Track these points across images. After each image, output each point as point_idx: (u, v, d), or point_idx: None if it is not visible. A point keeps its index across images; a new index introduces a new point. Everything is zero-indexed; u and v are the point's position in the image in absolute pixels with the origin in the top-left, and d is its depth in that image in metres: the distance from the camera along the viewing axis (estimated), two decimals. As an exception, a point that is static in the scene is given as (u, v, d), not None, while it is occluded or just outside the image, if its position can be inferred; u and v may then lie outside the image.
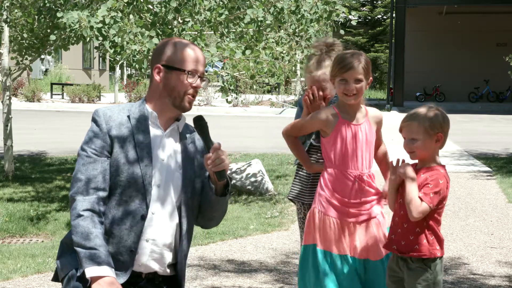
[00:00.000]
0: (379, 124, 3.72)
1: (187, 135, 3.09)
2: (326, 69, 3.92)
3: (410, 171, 3.29)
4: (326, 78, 3.88)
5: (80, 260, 2.81)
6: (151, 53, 7.14)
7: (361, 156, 3.55)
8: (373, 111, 3.69)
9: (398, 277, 3.37)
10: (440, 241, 3.33)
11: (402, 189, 3.35)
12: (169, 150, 3.02)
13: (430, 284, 3.29)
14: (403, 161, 3.36)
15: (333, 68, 3.59)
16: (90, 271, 2.78)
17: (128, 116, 2.97)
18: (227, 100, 8.77)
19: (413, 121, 3.31)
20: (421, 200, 3.23)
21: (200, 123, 2.99)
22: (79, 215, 2.84)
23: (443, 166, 3.36)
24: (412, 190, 3.26)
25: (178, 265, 3.05)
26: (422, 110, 3.35)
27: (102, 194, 2.89)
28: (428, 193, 3.24)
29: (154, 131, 2.99)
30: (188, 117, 3.14)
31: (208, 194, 3.07)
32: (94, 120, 2.96)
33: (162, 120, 3.01)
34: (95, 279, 2.77)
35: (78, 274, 2.84)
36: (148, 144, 2.95)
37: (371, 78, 3.67)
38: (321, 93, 3.88)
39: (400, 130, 3.39)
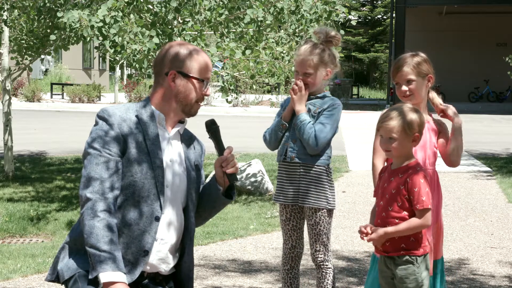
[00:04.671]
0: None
1: (187, 138, 3.13)
2: (315, 56, 4.11)
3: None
4: (313, 64, 4.11)
5: (93, 262, 2.78)
6: (151, 53, 7.15)
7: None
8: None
9: (389, 276, 3.41)
10: (423, 239, 3.39)
11: (387, 187, 3.39)
12: (174, 152, 3.05)
13: (418, 277, 3.35)
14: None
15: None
16: (105, 275, 2.75)
17: (137, 116, 2.97)
18: (227, 100, 8.77)
19: (392, 121, 3.35)
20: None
21: (213, 127, 3.07)
22: (96, 216, 2.80)
23: (418, 162, 3.44)
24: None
25: (183, 264, 3.08)
26: (400, 110, 3.39)
27: (116, 194, 2.87)
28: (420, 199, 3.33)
29: (160, 132, 3.01)
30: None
31: (209, 195, 3.12)
32: (103, 119, 2.92)
33: (167, 122, 3.04)
34: (108, 284, 2.75)
35: (90, 277, 2.81)
36: (158, 145, 2.97)
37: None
38: (301, 83, 4.13)
39: (378, 129, 3.43)
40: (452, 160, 3.81)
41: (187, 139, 3.12)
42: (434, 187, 3.73)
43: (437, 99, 3.84)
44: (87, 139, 2.93)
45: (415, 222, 3.31)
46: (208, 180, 3.21)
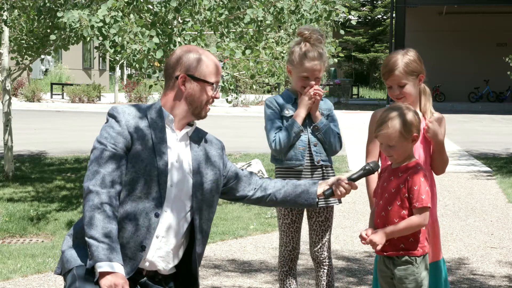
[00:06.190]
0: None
1: (197, 139, 3.18)
2: (325, 61, 4.11)
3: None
4: (323, 68, 4.13)
5: (91, 252, 2.84)
6: (151, 53, 7.15)
7: None
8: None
9: (388, 276, 3.42)
10: (422, 239, 3.39)
11: (386, 186, 3.39)
12: (181, 153, 3.10)
13: (418, 277, 3.35)
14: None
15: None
16: (102, 266, 2.81)
17: (146, 116, 3.05)
18: (227, 100, 8.76)
19: (388, 129, 3.33)
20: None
21: (371, 172, 3.37)
22: (97, 207, 2.87)
23: (418, 162, 3.44)
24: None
25: (186, 266, 3.11)
26: (394, 114, 3.35)
27: (119, 188, 2.94)
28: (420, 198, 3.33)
29: (168, 133, 3.08)
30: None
31: (298, 191, 3.33)
32: (113, 117, 3.02)
33: (176, 124, 3.11)
34: (105, 274, 2.81)
35: (88, 266, 2.86)
36: (164, 145, 3.04)
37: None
38: (316, 86, 4.09)
39: (376, 137, 3.43)
40: (435, 171, 3.77)
41: (197, 141, 3.17)
42: (432, 188, 3.71)
43: (427, 105, 3.73)
44: (97, 135, 3.04)
45: (413, 220, 3.31)
46: (305, 181, 3.36)
